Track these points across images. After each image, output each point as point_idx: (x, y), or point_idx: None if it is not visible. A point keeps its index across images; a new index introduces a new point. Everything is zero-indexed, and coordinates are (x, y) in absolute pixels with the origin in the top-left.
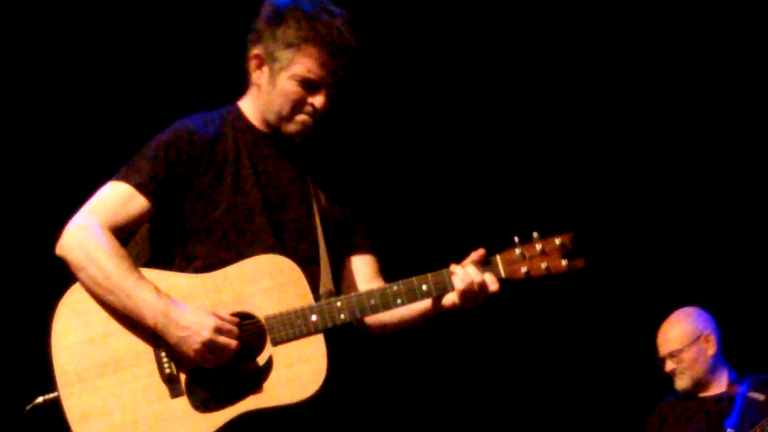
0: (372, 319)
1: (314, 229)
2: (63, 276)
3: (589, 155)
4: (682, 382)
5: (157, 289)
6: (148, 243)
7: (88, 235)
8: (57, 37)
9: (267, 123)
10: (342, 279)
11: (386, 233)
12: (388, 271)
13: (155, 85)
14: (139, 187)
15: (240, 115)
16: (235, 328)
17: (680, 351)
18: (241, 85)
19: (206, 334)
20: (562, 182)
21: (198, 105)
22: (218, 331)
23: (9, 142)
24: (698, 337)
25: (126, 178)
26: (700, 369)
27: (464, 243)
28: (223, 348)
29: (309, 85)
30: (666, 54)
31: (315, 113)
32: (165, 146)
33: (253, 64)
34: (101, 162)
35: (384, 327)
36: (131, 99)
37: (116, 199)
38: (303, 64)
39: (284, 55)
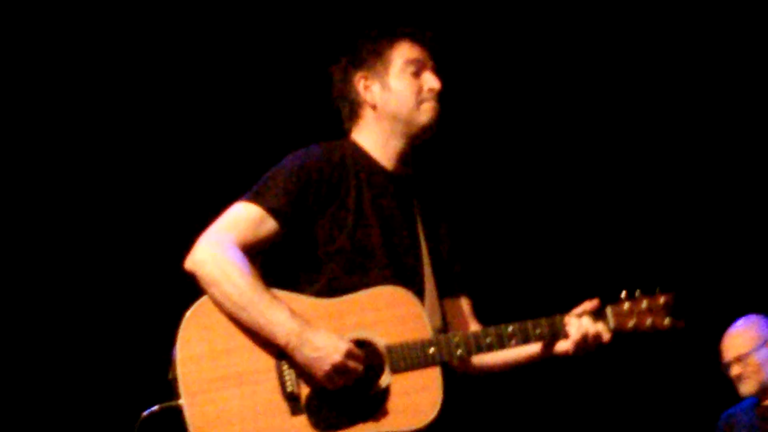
0: (477, 360)
1: (422, 269)
2: (190, 289)
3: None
4: (747, 387)
5: (291, 310)
6: (260, 264)
7: (222, 251)
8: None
9: (393, 141)
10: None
11: (487, 279)
12: (486, 314)
13: (265, 119)
14: (271, 211)
15: (358, 149)
16: (362, 354)
17: (747, 355)
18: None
19: (338, 357)
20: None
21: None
22: (349, 355)
23: (138, 166)
24: (765, 342)
25: (258, 201)
26: (766, 374)
27: (557, 293)
28: (351, 372)
29: (417, 72)
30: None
31: (436, 95)
32: (297, 172)
33: (361, 88)
34: (220, 183)
35: (486, 369)
36: (243, 128)
37: (248, 220)
38: (402, 54)
39: (384, 59)
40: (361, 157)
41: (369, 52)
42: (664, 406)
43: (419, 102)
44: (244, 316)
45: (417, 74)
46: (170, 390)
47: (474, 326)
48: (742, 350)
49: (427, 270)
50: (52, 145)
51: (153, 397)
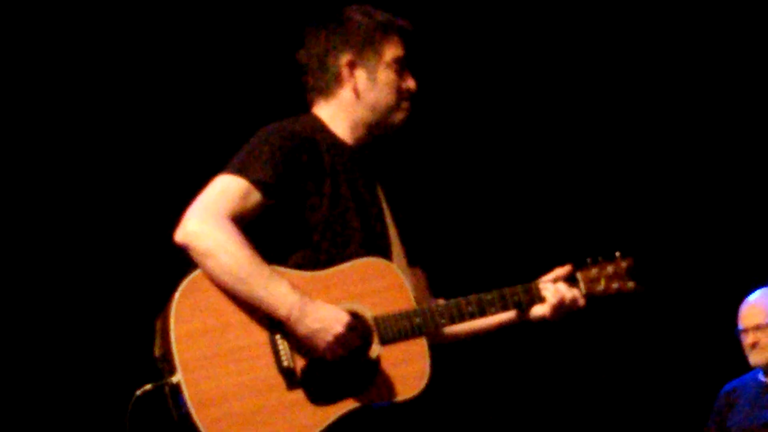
0: (454, 329)
1: (390, 241)
2: (172, 265)
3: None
4: (761, 357)
5: (292, 283)
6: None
7: (215, 223)
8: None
9: (365, 124)
10: None
11: (445, 250)
12: (452, 287)
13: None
14: (257, 184)
15: (324, 126)
16: (359, 326)
17: (767, 325)
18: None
19: (340, 328)
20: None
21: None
22: (350, 326)
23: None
24: None
25: (243, 174)
26: None
27: (522, 259)
28: (350, 343)
29: (401, 69)
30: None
31: (411, 97)
32: (281, 146)
33: (345, 72)
34: (198, 158)
35: (459, 336)
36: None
37: (235, 192)
38: (392, 48)
39: (376, 50)
40: (327, 134)
41: (362, 38)
42: (662, 382)
43: (399, 100)
44: (243, 288)
45: (400, 72)
46: (155, 368)
47: (429, 298)
48: (764, 319)
49: (395, 242)
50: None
51: (138, 377)
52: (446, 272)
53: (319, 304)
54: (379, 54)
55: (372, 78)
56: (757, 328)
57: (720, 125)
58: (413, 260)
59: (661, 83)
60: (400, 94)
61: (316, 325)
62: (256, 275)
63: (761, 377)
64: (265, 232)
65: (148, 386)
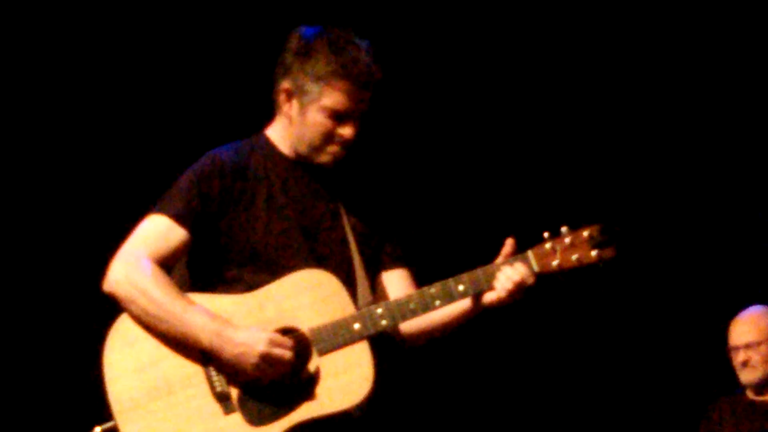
0: (412, 328)
1: (348, 248)
2: (111, 310)
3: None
4: (752, 375)
5: (209, 311)
6: (186, 272)
7: (133, 268)
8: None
9: (296, 152)
10: (378, 296)
11: (415, 241)
12: (423, 277)
13: (183, 118)
14: (177, 218)
15: (268, 143)
16: (288, 340)
17: (759, 343)
18: (265, 114)
19: (261, 347)
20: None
21: (225, 136)
22: (272, 343)
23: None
24: None
25: (163, 211)
26: None
27: (493, 243)
28: (279, 359)
29: (338, 117)
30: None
31: (345, 143)
32: (198, 177)
33: (282, 97)
34: (136, 198)
35: (423, 335)
36: (158, 133)
37: (156, 231)
38: (332, 96)
39: (313, 88)
40: (271, 152)
41: (307, 73)
42: (649, 398)
43: (325, 144)
44: (165, 327)
45: (336, 119)
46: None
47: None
48: (755, 337)
49: (354, 249)
50: None
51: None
52: (430, 264)
53: (238, 329)
54: (317, 94)
55: (302, 113)
56: (748, 346)
57: (721, 131)
58: (393, 260)
59: (647, 79)
60: (328, 138)
61: (237, 350)
62: (173, 312)
63: (750, 394)
64: (202, 263)
65: (97, 430)
